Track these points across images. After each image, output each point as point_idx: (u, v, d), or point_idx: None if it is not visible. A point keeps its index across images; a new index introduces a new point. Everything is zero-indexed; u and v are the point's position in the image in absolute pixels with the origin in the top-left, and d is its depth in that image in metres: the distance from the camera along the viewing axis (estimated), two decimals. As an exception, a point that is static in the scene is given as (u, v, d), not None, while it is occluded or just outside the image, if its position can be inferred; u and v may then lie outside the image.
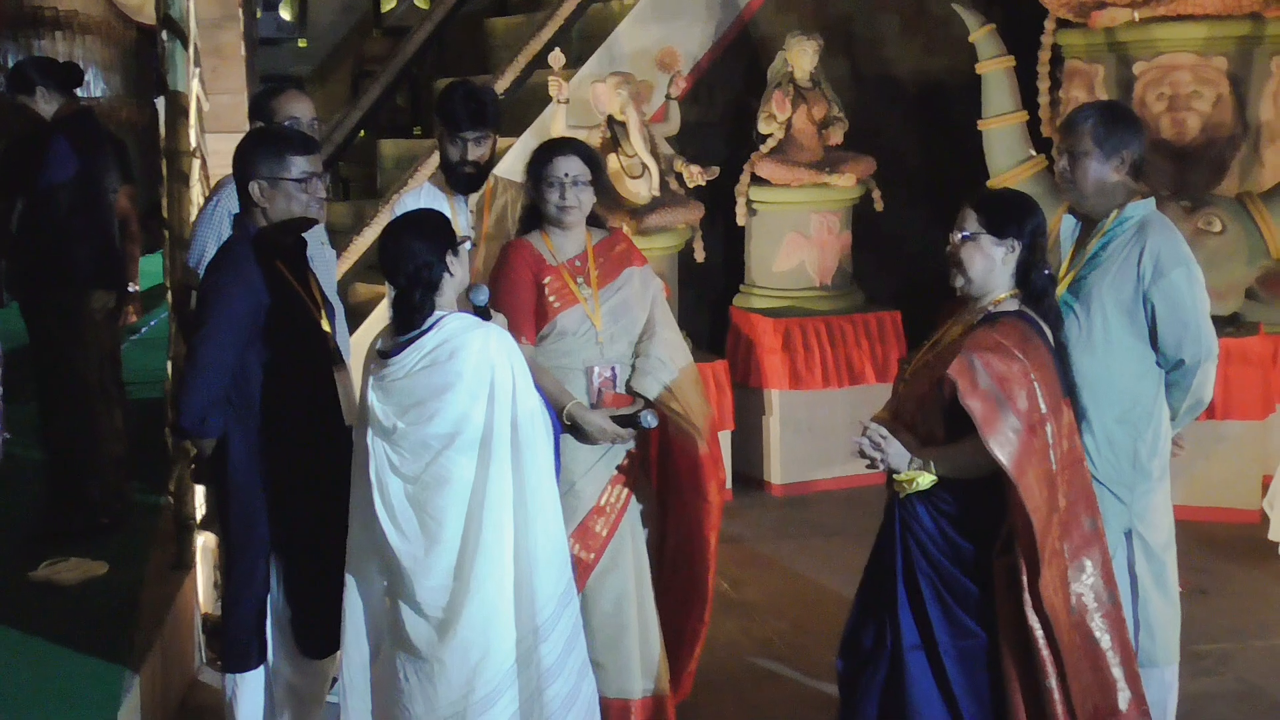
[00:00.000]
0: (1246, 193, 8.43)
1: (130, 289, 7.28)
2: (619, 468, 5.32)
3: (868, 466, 4.46)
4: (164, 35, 6.21)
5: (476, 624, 4.41)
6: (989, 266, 4.41)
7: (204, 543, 6.42)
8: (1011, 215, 4.43)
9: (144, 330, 11.71)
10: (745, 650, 6.63)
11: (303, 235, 4.87)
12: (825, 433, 9.03)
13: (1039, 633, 4.24)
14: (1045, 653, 4.25)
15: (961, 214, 4.46)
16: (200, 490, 6.22)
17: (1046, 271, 4.49)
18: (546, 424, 4.60)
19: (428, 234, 4.46)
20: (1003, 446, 4.19)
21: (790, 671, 6.40)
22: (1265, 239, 8.25)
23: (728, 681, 6.22)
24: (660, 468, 5.47)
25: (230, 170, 4.84)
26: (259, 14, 10.82)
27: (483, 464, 4.41)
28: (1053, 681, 4.25)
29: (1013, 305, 4.43)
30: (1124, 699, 4.43)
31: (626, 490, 5.34)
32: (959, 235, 4.43)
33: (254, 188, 4.70)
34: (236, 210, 4.89)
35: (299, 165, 4.72)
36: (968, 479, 4.36)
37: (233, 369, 4.63)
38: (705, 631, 5.57)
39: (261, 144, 4.77)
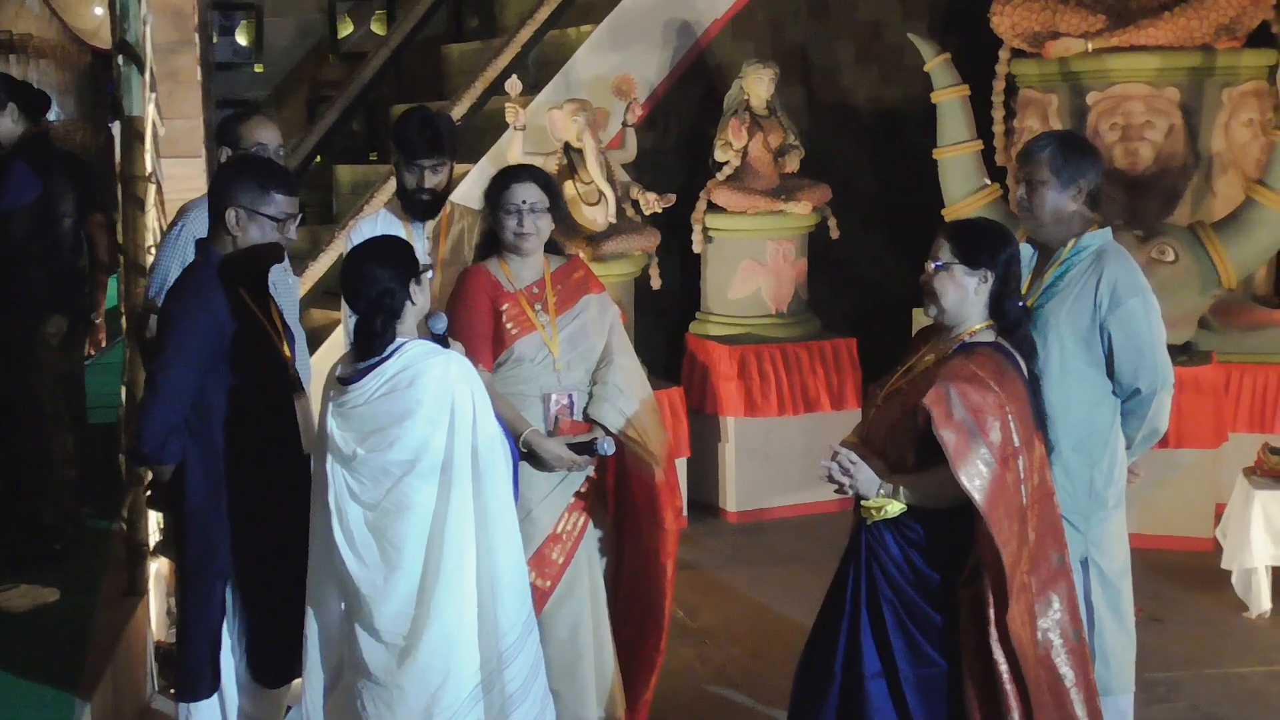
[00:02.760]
0: (1199, 222, 8.49)
1: (94, 318, 7.23)
2: (576, 495, 5.31)
3: (836, 491, 4.47)
4: (119, 59, 6.17)
5: (436, 650, 4.40)
6: (962, 297, 4.42)
7: (157, 569, 6.37)
8: (985, 246, 4.44)
9: (98, 355, 11.63)
10: (701, 678, 6.63)
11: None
12: (781, 460, 9.04)
13: (1003, 667, 4.25)
14: (1010, 687, 4.25)
15: (935, 243, 4.47)
16: (154, 516, 6.18)
17: (1020, 303, 4.51)
18: (506, 450, 4.60)
19: (391, 261, 4.45)
20: (973, 479, 4.19)
21: (745, 699, 6.40)
22: (1217, 268, 8.30)
23: (683, 709, 6.21)
24: (617, 495, 5.48)
25: (187, 195, 4.82)
26: (215, 39, 10.76)
27: (443, 491, 4.40)
28: (1016, 716, 4.26)
29: (988, 336, 4.45)
30: (1086, 737, 4.45)
31: (583, 518, 5.34)
32: (932, 265, 4.45)
33: (231, 214, 4.67)
34: (199, 235, 4.86)
35: (280, 204, 4.71)
36: (936, 508, 4.36)
37: (193, 395, 4.60)
38: (661, 659, 5.55)
39: (247, 173, 4.74)
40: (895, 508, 4.39)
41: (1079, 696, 4.42)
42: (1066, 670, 4.41)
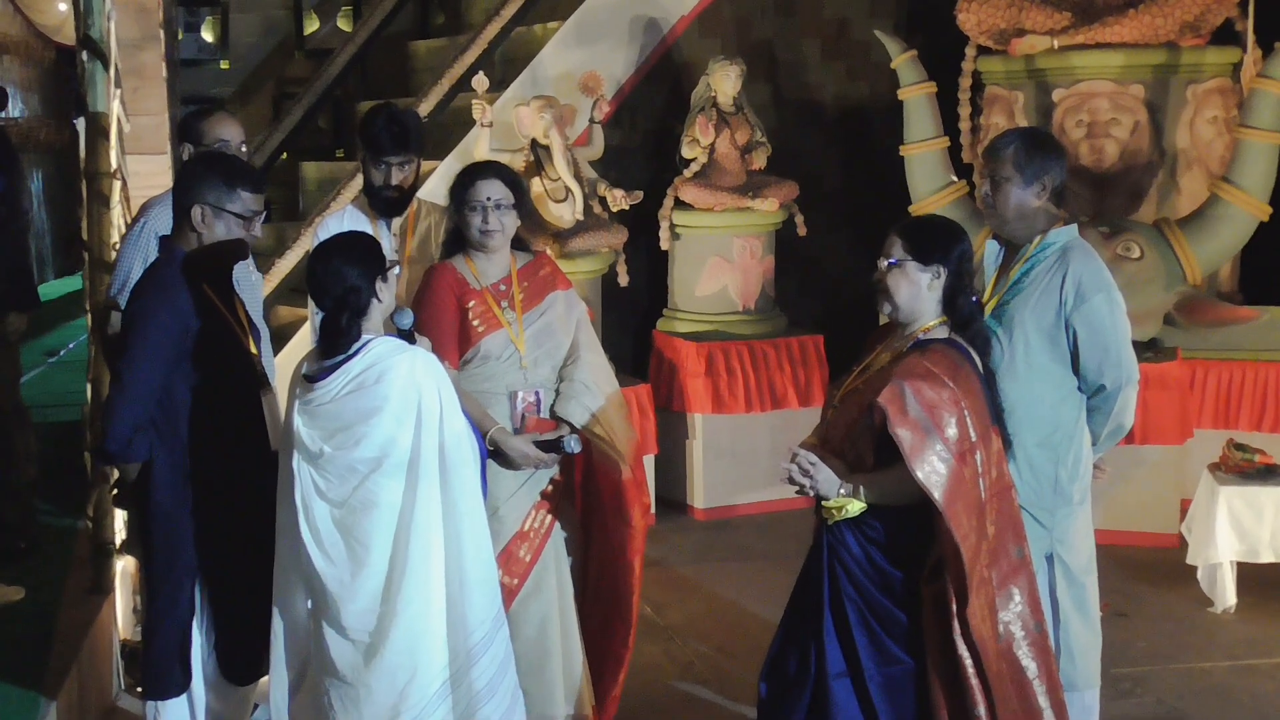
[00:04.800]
0: (1164, 219, 8.52)
1: None
2: (542, 493, 5.30)
3: (796, 492, 4.46)
4: (84, 56, 6.14)
5: (403, 648, 4.39)
6: (915, 293, 4.42)
7: (123, 567, 6.34)
8: (937, 242, 4.45)
9: (62, 352, 11.59)
10: (668, 674, 6.63)
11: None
12: (748, 457, 9.05)
13: (968, 661, 4.25)
14: (974, 681, 4.25)
15: (888, 241, 4.47)
16: (119, 514, 6.15)
17: (974, 298, 4.51)
18: (473, 447, 4.59)
19: (358, 258, 4.44)
20: (930, 476, 4.19)
21: (712, 695, 6.40)
22: (1182, 265, 8.33)
23: (651, 706, 6.21)
24: (584, 492, 5.46)
25: (152, 192, 4.79)
26: (180, 35, 10.74)
27: (410, 488, 4.39)
28: (982, 710, 4.26)
29: (942, 332, 4.45)
30: (1050, 729, 4.45)
31: (550, 515, 5.33)
32: (885, 262, 4.45)
33: (196, 211, 4.66)
34: (162, 232, 4.83)
35: (246, 201, 4.70)
36: (896, 506, 4.36)
37: (159, 392, 4.58)
38: (629, 656, 5.54)
39: (214, 170, 4.73)
40: (856, 507, 4.38)
41: (1042, 688, 4.43)
42: (1029, 663, 4.42)
